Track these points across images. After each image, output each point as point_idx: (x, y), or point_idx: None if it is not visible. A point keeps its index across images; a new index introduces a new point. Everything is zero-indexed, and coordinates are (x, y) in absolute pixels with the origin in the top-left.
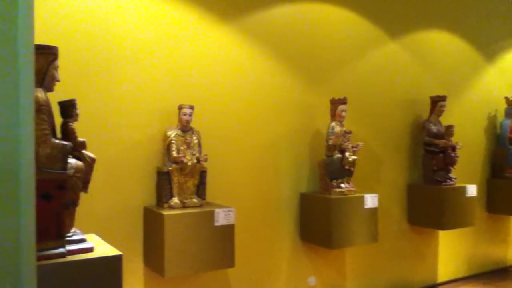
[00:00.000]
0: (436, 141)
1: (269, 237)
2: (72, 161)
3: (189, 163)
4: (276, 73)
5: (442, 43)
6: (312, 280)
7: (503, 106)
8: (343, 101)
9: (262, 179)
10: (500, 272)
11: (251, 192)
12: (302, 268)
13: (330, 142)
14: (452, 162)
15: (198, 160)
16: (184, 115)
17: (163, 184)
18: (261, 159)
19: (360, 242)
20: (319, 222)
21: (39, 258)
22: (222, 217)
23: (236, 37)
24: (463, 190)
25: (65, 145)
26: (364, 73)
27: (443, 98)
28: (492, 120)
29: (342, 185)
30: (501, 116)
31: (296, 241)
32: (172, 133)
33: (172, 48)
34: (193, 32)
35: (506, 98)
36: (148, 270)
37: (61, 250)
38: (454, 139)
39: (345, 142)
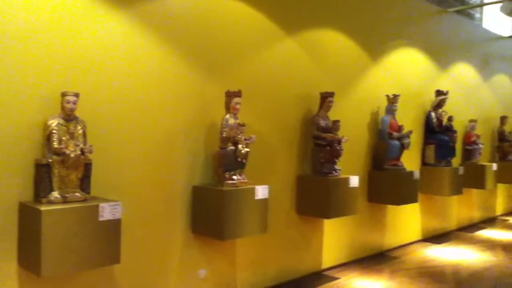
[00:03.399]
0: (324, 135)
1: (160, 231)
2: None
3: (72, 155)
4: (172, 64)
5: (333, 42)
6: (202, 272)
7: (384, 103)
8: (237, 94)
9: (154, 171)
10: (377, 256)
11: (142, 185)
12: (193, 261)
13: (224, 134)
14: (337, 154)
15: (82, 152)
16: (68, 103)
17: (42, 177)
18: (153, 151)
19: (251, 232)
20: (211, 214)
21: None
22: (107, 212)
23: (131, 24)
24: (346, 181)
25: None
26: (260, 67)
27: (331, 94)
28: (374, 116)
29: (235, 177)
30: (382, 113)
31: (188, 234)
32: (54, 122)
33: (56, 31)
34: (82, 15)
35: (387, 96)
36: (23, 270)
37: None
38: (340, 133)
39: (238, 134)
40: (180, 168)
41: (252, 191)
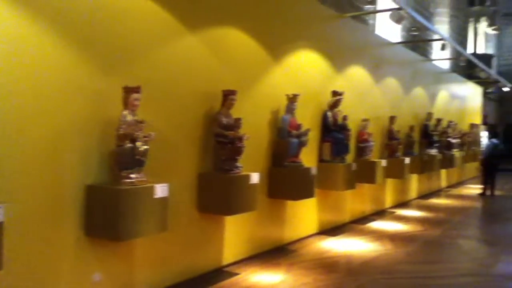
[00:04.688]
0: (226, 133)
1: (49, 234)
2: None
3: None
4: (63, 57)
5: (236, 41)
6: (97, 276)
7: (284, 102)
8: (136, 90)
9: (41, 171)
10: (277, 250)
11: (28, 186)
12: (87, 265)
13: (121, 131)
14: (238, 152)
15: None
16: None
17: None
18: (42, 149)
19: (150, 232)
20: (107, 214)
21: None
22: None
23: (14, 12)
24: (247, 178)
25: None
26: (161, 63)
27: (233, 92)
28: (275, 114)
29: (132, 175)
30: (282, 111)
31: (81, 236)
32: None
33: None
34: None
35: (287, 95)
36: None
37: None
38: (241, 131)
39: (137, 131)
40: (72, 167)
41: (151, 189)
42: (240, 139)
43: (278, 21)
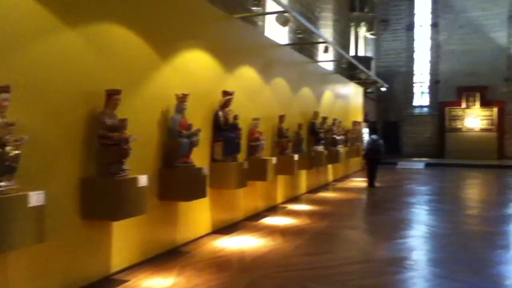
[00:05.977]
0: (110, 134)
1: None
2: None
3: None
4: None
5: (120, 38)
6: None
7: (174, 102)
8: (5, 89)
9: None
10: (170, 253)
11: None
12: None
13: None
14: (125, 154)
15: None
16: None
17: None
18: None
19: (24, 244)
20: None
21: None
22: None
23: None
24: (134, 180)
25: None
26: (35, 60)
27: (117, 92)
28: (165, 114)
29: (2, 183)
30: (172, 111)
31: None
32: None
33: None
34: None
35: (177, 95)
36: None
37: None
38: (128, 132)
39: (6, 135)
40: None
41: (24, 198)
42: (126, 140)
43: (165, 18)
